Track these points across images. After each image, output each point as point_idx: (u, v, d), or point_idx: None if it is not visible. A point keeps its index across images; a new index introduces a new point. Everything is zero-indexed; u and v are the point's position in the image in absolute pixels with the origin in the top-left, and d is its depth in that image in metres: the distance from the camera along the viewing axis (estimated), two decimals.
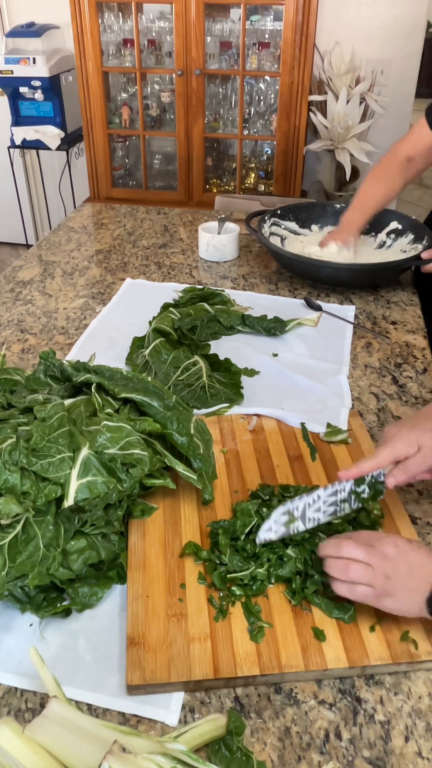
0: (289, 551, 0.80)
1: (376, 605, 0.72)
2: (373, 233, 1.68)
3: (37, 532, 0.75)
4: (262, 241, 1.55)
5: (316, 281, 1.56)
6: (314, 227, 1.74)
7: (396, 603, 0.71)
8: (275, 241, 1.67)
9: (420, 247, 1.56)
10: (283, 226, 1.72)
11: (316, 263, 1.48)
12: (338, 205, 1.75)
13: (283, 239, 1.70)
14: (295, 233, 1.73)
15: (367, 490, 0.83)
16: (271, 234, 1.69)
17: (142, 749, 0.57)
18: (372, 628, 0.74)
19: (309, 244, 1.66)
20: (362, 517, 0.86)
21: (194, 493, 0.92)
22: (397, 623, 0.74)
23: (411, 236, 1.61)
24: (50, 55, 3.03)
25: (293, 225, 1.73)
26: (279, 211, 1.71)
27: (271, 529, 0.79)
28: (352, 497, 0.83)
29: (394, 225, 1.65)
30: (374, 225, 1.66)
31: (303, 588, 0.77)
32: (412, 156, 1.52)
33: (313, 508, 0.81)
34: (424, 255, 1.44)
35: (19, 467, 0.76)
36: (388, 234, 1.66)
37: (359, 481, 0.83)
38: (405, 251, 1.60)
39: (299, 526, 0.80)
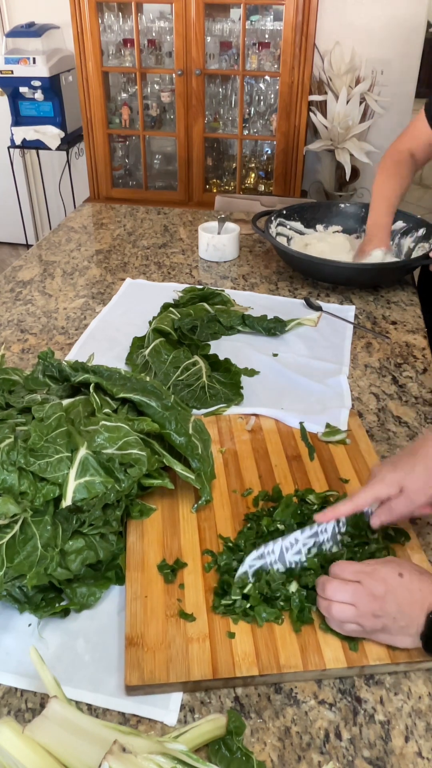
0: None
1: (370, 638, 0.72)
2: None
3: (35, 532, 0.75)
4: (271, 241, 1.55)
5: (327, 281, 1.56)
6: (319, 227, 1.74)
7: (389, 638, 0.71)
8: (281, 241, 1.67)
9: (427, 246, 1.56)
10: (288, 227, 1.72)
11: (328, 263, 1.48)
12: (342, 205, 1.75)
13: (289, 239, 1.71)
14: (301, 233, 1.73)
15: (348, 526, 0.82)
16: (278, 234, 1.69)
17: (142, 749, 0.56)
18: None
19: (313, 242, 1.66)
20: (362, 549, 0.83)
21: (193, 493, 0.92)
22: None
23: (417, 235, 1.61)
24: (50, 55, 3.03)
25: (298, 225, 1.73)
26: (284, 211, 1.71)
27: (246, 574, 0.78)
28: (338, 537, 0.82)
29: (400, 224, 1.65)
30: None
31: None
32: (413, 151, 1.53)
33: (292, 551, 0.79)
34: None
35: (17, 467, 0.76)
36: (394, 233, 1.66)
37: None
38: (411, 248, 1.61)
39: (279, 568, 0.79)
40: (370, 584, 0.70)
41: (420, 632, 0.69)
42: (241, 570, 0.77)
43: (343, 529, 0.82)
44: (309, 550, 0.80)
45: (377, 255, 1.53)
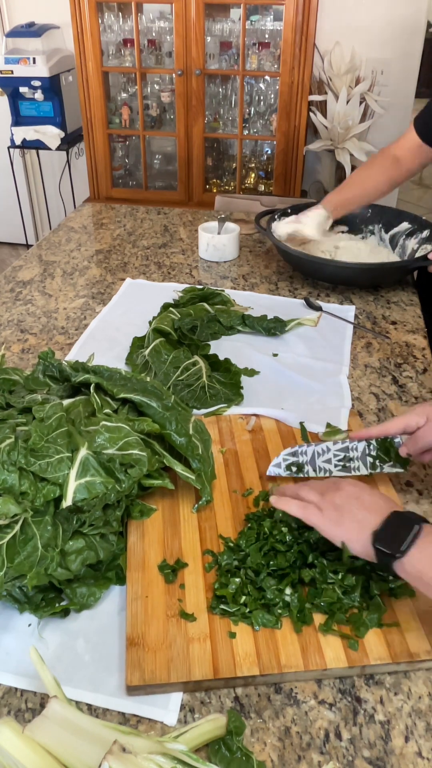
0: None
1: (328, 534, 0.75)
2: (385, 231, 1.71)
3: (36, 532, 0.75)
4: (272, 240, 1.55)
5: (327, 281, 1.56)
6: None
7: (344, 532, 0.74)
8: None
9: (429, 247, 1.57)
10: None
11: (328, 263, 1.48)
12: None
13: None
14: None
15: (378, 451, 0.88)
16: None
17: (142, 749, 0.56)
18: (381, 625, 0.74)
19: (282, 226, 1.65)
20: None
21: (193, 493, 0.92)
22: (397, 624, 0.74)
23: (421, 236, 1.62)
24: (50, 55, 3.03)
25: None
26: (289, 211, 1.71)
27: (279, 465, 0.82)
28: (367, 458, 0.87)
29: (405, 225, 1.66)
30: (386, 225, 1.68)
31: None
32: (398, 155, 1.57)
33: (322, 458, 0.85)
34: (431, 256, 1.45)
35: (18, 467, 0.76)
36: (399, 234, 1.67)
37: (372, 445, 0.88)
38: (415, 250, 1.62)
39: (309, 471, 0.84)
40: (333, 495, 0.77)
41: (374, 531, 0.72)
42: (274, 462, 0.82)
43: (373, 452, 0.88)
44: (337, 463, 0.85)
45: (316, 214, 1.58)
